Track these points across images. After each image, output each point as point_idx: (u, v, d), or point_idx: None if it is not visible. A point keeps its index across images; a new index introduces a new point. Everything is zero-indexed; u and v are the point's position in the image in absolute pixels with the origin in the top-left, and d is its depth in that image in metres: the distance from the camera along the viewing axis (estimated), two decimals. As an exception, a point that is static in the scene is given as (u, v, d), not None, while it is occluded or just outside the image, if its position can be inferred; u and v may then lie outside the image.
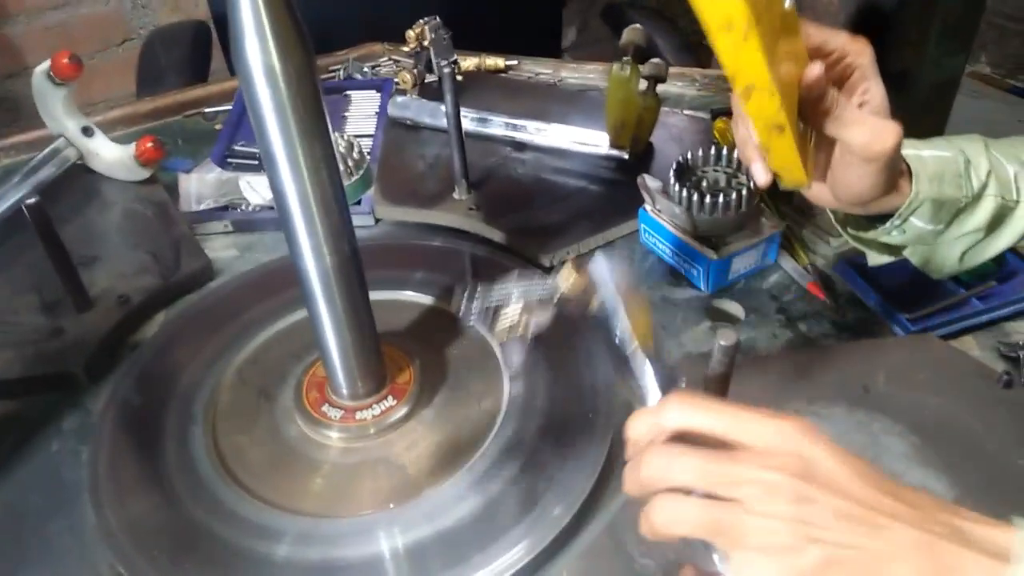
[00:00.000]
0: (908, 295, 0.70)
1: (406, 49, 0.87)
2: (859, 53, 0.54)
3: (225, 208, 0.85)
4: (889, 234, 0.59)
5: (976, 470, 0.57)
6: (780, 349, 0.69)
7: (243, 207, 0.85)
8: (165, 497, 0.58)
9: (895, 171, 0.55)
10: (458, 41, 0.86)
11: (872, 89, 0.54)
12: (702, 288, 0.75)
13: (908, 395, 0.62)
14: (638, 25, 0.79)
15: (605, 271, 0.50)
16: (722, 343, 0.49)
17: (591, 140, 0.87)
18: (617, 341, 0.47)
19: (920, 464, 0.58)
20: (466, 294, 0.47)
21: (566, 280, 0.48)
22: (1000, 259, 0.73)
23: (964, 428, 0.60)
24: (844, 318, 0.72)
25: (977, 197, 0.59)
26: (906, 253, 0.62)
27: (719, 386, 0.52)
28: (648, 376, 0.46)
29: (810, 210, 0.78)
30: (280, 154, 0.49)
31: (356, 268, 0.57)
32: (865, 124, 0.52)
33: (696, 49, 1.37)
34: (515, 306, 0.48)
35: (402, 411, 0.63)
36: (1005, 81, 2.77)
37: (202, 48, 1.28)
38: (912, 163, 0.58)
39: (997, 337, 0.68)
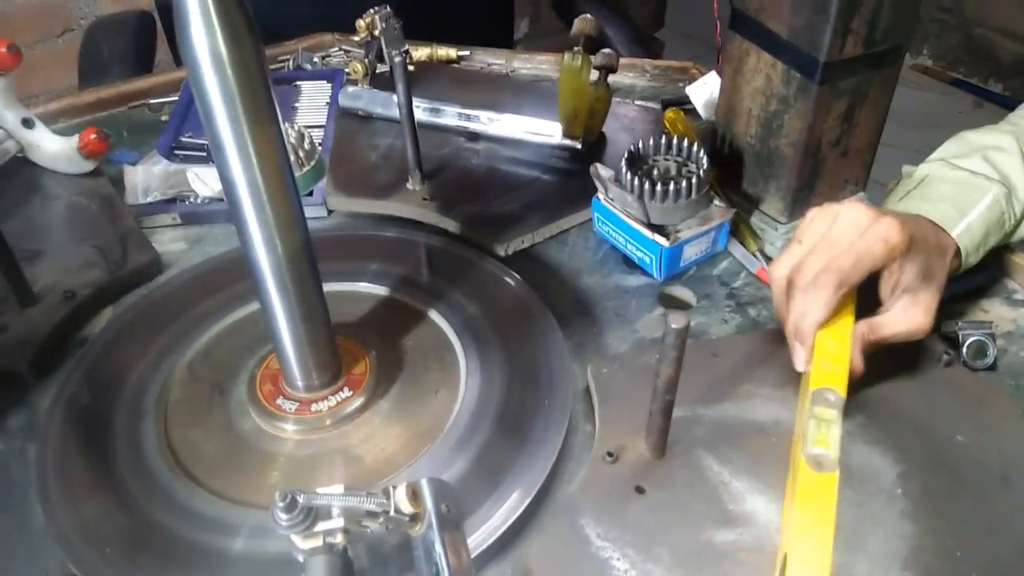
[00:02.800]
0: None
1: (356, 39, 0.86)
2: (896, 248, 0.59)
3: (173, 200, 0.83)
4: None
5: (919, 446, 0.59)
6: (730, 334, 0.71)
7: (191, 199, 0.83)
8: (116, 494, 0.57)
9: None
10: (409, 31, 0.85)
11: (905, 266, 0.60)
12: (655, 275, 0.76)
13: (853, 376, 0.64)
14: (588, 15, 0.80)
15: (435, 496, 0.50)
16: (673, 326, 0.50)
17: (544, 130, 0.87)
18: (436, 570, 0.47)
19: (865, 442, 0.60)
20: (288, 498, 0.46)
21: (403, 499, 0.48)
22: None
23: (907, 407, 0.62)
24: (792, 302, 0.73)
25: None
26: None
27: (671, 368, 0.53)
28: None
29: (759, 197, 0.79)
30: (229, 143, 0.48)
31: (309, 258, 0.56)
32: (897, 329, 0.61)
33: (647, 41, 1.39)
34: (335, 520, 0.47)
35: (358, 402, 0.63)
36: (946, 73, 2.85)
37: (146, 38, 1.25)
38: (961, 241, 0.65)
39: (938, 320, 0.70)
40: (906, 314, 0.61)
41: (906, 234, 0.58)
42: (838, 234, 0.59)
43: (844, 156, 0.76)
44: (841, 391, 0.54)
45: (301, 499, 0.47)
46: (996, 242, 0.68)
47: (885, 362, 0.65)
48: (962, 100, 2.75)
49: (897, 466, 0.58)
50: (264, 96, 0.48)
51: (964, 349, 0.66)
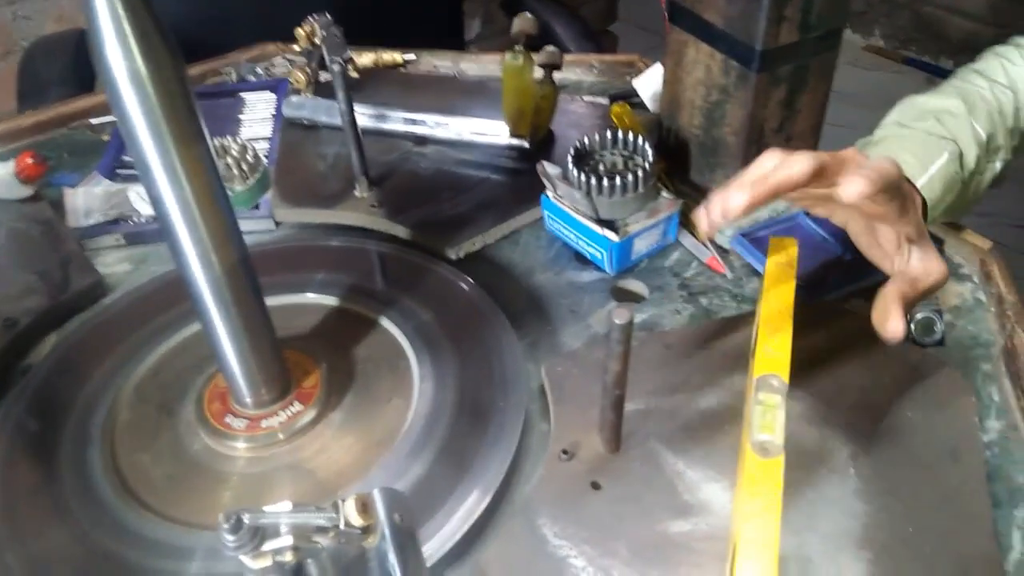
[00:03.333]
0: (802, 263, 0.72)
1: (298, 48, 0.85)
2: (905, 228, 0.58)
3: (115, 221, 0.82)
4: None
5: (870, 425, 0.60)
6: (684, 324, 0.71)
7: (134, 219, 0.82)
8: (65, 526, 0.56)
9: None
10: (354, 37, 0.85)
11: (905, 217, 0.57)
12: (607, 270, 0.76)
13: (804, 358, 0.64)
14: (528, 14, 0.79)
15: (387, 506, 0.50)
16: (617, 321, 0.50)
17: (491, 131, 0.87)
18: None
19: (817, 424, 0.60)
20: (233, 519, 0.45)
21: (352, 512, 0.48)
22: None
23: (857, 386, 0.63)
24: (743, 290, 0.74)
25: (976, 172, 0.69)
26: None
27: (619, 363, 0.53)
28: None
29: (707, 187, 0.80)
30: (155, 162, 0.47)
31: (247, 273, 0.55)
32: (928, 277, 0.59)
33: (597, 36, 1.39)
34: (284, 538, 0.47)
35: (310, 416, 0.62)
36: (899, 53, 2.89)
37: (86, 57, 1.22)
38: (925, 192, 0.65)
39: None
40: (926, 264, 0.59)
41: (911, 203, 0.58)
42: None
43: (788, 142, 0.76)
44: (784, 377, 0.55)
45: (247, 519, 0.46)
46: (948, 205, 0.68)
47: (834, 345, 0.65)
48: (915, 78, 2.79)
49: (848, 446, 0.58)
50: (188, 113, 0.47)
51: (912, 326, 0.66)
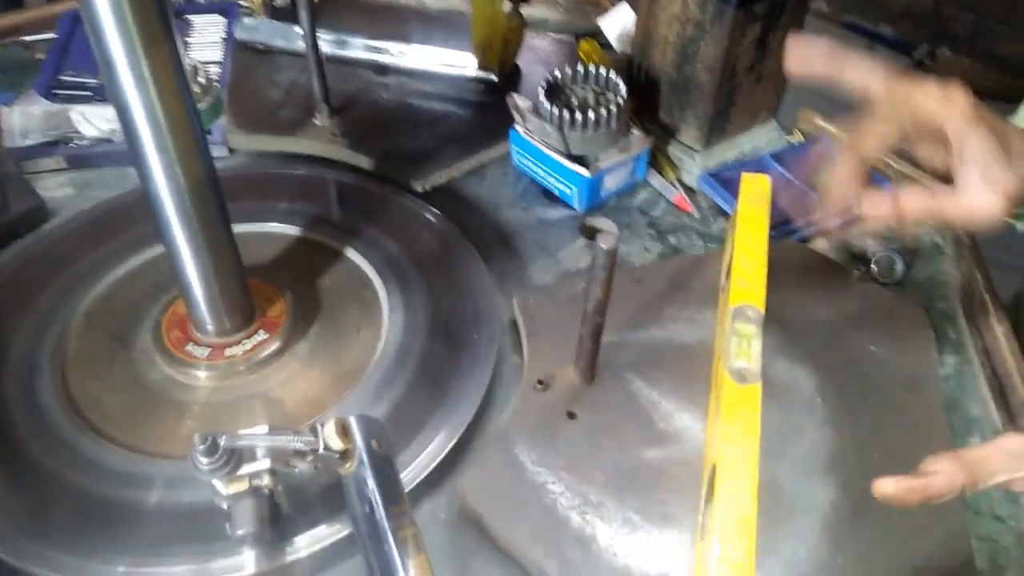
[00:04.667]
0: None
1: (252, -33, 0.81)
2: (947, 110, 0.52)
3: (56, 143, 0.77)
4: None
5: (835, 358, 0.61)
6: (652, 260, 0.71)
7: (77, 141, 0.77)
8: (15, 454, 0.53)
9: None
10: None
11: (968, 141, 0.52)
12: (576, 207, 0.75)
13: (772, 295, 0.65)
14: (499, -60, 0.77)
15: (364, 432, 0.49)
16: (603, 246, 0.50)
17: (457, 62, 0.84)
18: (370, 506, 0.46)
19: (786, 357, 0.61)
20: (208, 440, 0.43)
21: (331, 435, 0.46)
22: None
23: (823, 322, 0.64)
24: (709, 229, 0.74)
25: None
26: None
27: (601, 290, 0.52)
28: None
29: (676, 127, 0.79)
30: (121, 61, 0.44)
31: (213, 189, 0.52)
32: (963, 209, 0.51)
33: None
34: (261, 461, 0.45)
35: (275, 345, 0.60)
36: (840, 17, 2.94)
37: (14, -27, 1.14)
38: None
39: (848, 238, 0.72)
40: (976, 193, 0.53)
41: (969, 96, 0.52)
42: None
43: (758, 82, 0.76)
44: (760, 307, 0.55)
45: (223, 441, 0.45)
46: None
47: (801, 282, 0.67)
48: (855, 43, 2.85)
49: (815, 377, 0.59)
50: (156, 9, 0.44)
51: (874, 265, 0.68)
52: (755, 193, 0.63)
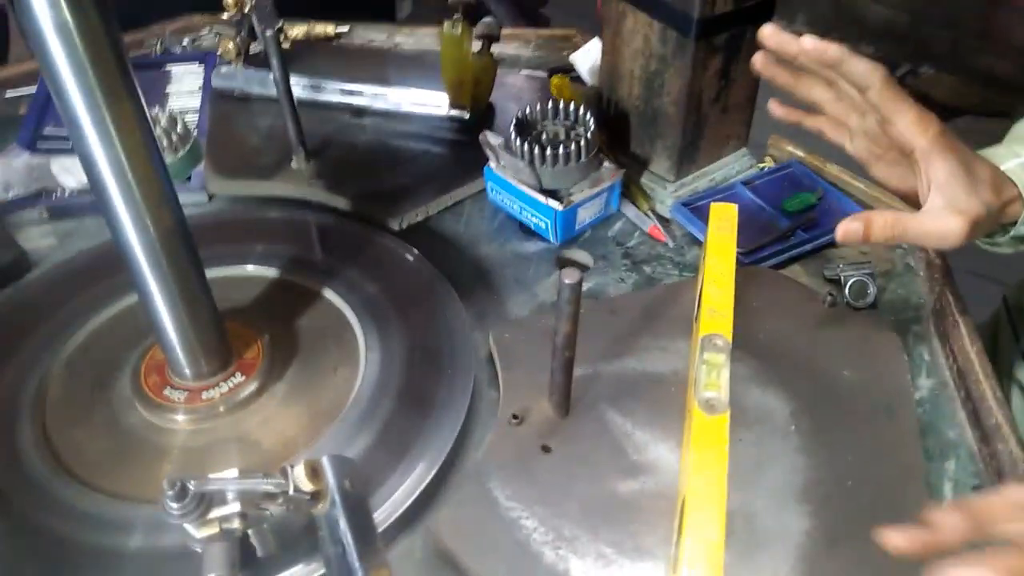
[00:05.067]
0: (740, 231, 0.74)
1: (226, 17, 0.82)
2: (918, 134, 0.55)
3: (38, 195, 0.78)
4: (1000, 243, 0.62)
5: (809, 385, 0.61)
6: (627, 291, 0.72)
7: (58, 193, 0.78)
8: (-5, 507, 0.53)
9: (990, 217, 0.56)
10: (283, 10, 0.81)
11: (935, 166, 0.55)
12: (551, 239, 0.76)
13: (745, 322, 0.65)
14: (467, -18, 0.79)
15: (337, 472, 0.49)
16: (567, 281, 0.50)
17: (431, 101, 0.86)
18: (342, 547, 0.47)
19: (759, 384, 0.61)
20: (177, 485, 0.44)
21: (301, 477, 0.47)
22: (819, 193, 0.79)
23: (796, 348, 0.64)
24: (684, 258, 0.75)
25: None
26: None
27: (568, 324, 0.53)
28: None
29: (647, 158, 0.80)
30: (85, 119, 0.45)
31: (184, 237, 0.53)
32: (925, 229, 0.56)
33: (532, 15, 1.39)
34: (231, 505, 0.46)
35: (252, 387, 0.60)
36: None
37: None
38: (1016, 176, 0.58)
39: (821, 264, 0.73)
40: (938, 215, 0.56)
41: (940, 124, 0.55)
42: None
43: (724, 112, 0.78)
44: (728, 336, 0.56)
45: (192, 486, 0.45)
46: None
47: (773, 308, 0.67)
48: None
49: (789, 404, 0.60)
50: (118, 66, 0.45)
51: (847, 290, 0.68)
52: (723, 221, 0.64)
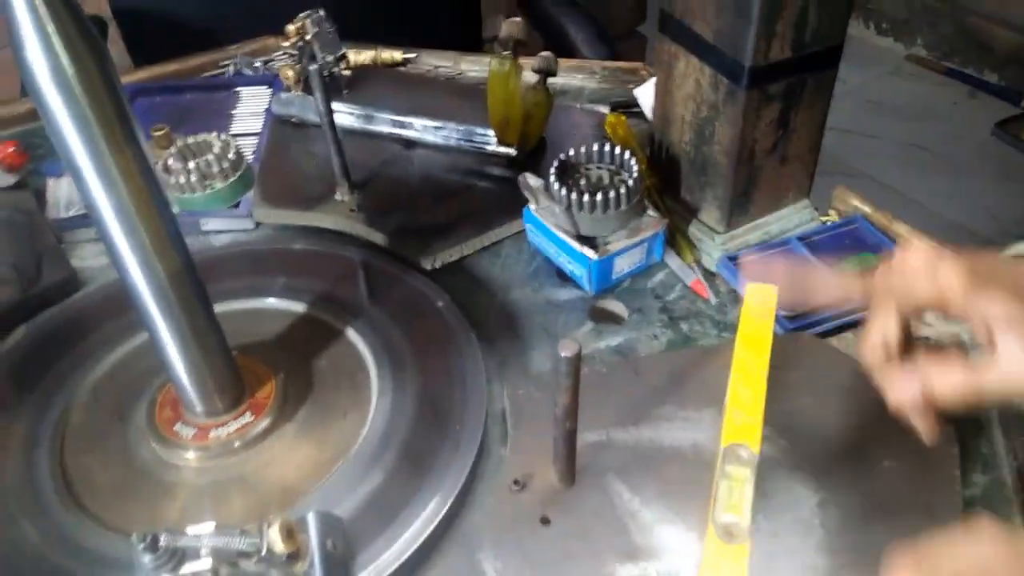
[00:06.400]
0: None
1: (287, 44, 0.83)
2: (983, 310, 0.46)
3: (96, 214, 0.81)
4: None
5: (842, 473, 0.56)
6: (658, 351, 0.68)
7: (114, 213, 0.81)
8: (7, 534, 0.55)
9: None
10: (364, 33, 0.81)
11: (981, 305, 0.47)
12: (586, 288, 0.73)
13: (781, 396, 0.61)
14: (517, 18, 0.77)
15: (321, 530, 0.48)
16: (564, 354, 0.47)
17: (479, 137, 0.84)
18: None
19: (786, 467, 0.57)
20: (148, 539, 0.44)
21: (275, 539, 0.46)
22: (877, 251, 0.72)
23: (835, 429, 0.59)
24: (726, 317, 0.71)
25: None
26: None
27: (568, 397, 0.50)
28: None
29: (697, 206, 0.76)
30: (87, 168, 0.46)
31: (192, 278, 0.53)
32: (1007, 368, 0.45)
33: (612, 40, 1.35)
34: (203, 560, 0.45)
35: (261, 426, 0.60)
36: (941, 64, 2.80)
37: (96, 43, 1.22)
38: None
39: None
40: (1016, 354, 0.46)
41: (961, 271, 0.47)
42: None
43: (783, 163, 0.73)
44: (754, 447, 0.51)
45: (163, 539, 0.45)
46: None
47: (815, 383, 0.62)
48: (957, 91, 2.70)
49: (818, 494, 0.55)
50: (119, 115, 0.45)
51: (898, 366, 0.62)
52: (760, 304, 0.59)
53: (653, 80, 0.91)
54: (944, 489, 0.55)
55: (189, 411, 0.60)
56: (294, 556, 0.48)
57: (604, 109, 0.94)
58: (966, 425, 0.60)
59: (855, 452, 0.58)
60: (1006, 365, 0.46)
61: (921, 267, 0.48)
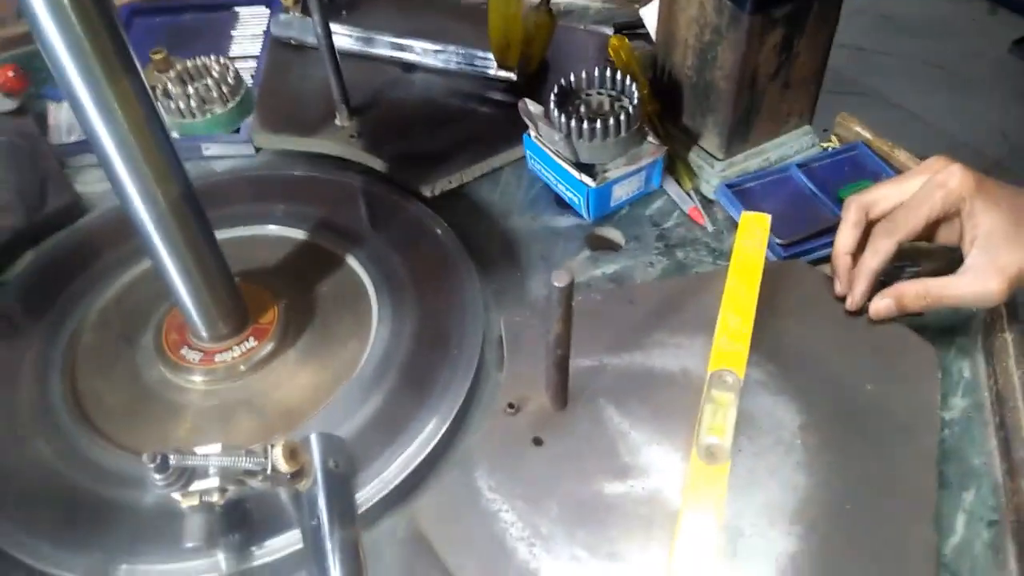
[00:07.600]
0: (784, 220, 0.69)
1: (285, -37, 0.82)
2: (954, 192, 0.56)
3: (98, 139, 0.81)
4: None
5: (825, 395, 0.58)
6: (654, 279, 0.69)
7: (115, 138, 0.81)
8: (21, 451, 0.58)
9: None
10: None
11: (974, 220, 0.56)
12: (584, 216, 0.74)
13: (771, 322, 0.62)
14: (518, -63, 0.75)
15: (323, 450, 0.49)
16: (556, 284, 0.48)
17: (480, 61, 0.83)
18: (318, 523, 0.48)
19: (771, 392, 0.58)
20: (158, 459, 0.45)
21: (279, 458, 0.47)
22: (876, 178, 0.73)
23: (821, 356, 0.61)
24: (721, 244, 0.71)
25: None
26: None
27: (561, 325, 0.51)
28: None
29: (697, 132, 0.76)
30: (85, 97, 0.46)
31: (193, 206, 0.55)
32: (960, 292, 0.56)
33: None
34: (211, 479, 0.47)
35: (265, 351, 0.62)
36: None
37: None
38: None
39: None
40: (976, 275, 0.55)
41: (968, 180, 0.56)
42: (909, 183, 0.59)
43: (786, 88, 0.72)
44: (740, 372, 0.53)
45: (172, 459, 0.47)
46: None
47: (804, 310, 0.63)
48: (977, 6, 2.62)
49: (800, 417, 0.57)
50: (116, 45, 0.45)
51: (889, 294, 0.63)
52: (754, 233, 0.60)
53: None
54: (923, 412, 0.57)
55: (195, 336, 0.62)
56: (298, 475, 0.50)
57: (608, 30, 0.93)
58: (951, 350, 0.62)
59: (838, 377, 0.59)
60: (965, 283, 0.56)
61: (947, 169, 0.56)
